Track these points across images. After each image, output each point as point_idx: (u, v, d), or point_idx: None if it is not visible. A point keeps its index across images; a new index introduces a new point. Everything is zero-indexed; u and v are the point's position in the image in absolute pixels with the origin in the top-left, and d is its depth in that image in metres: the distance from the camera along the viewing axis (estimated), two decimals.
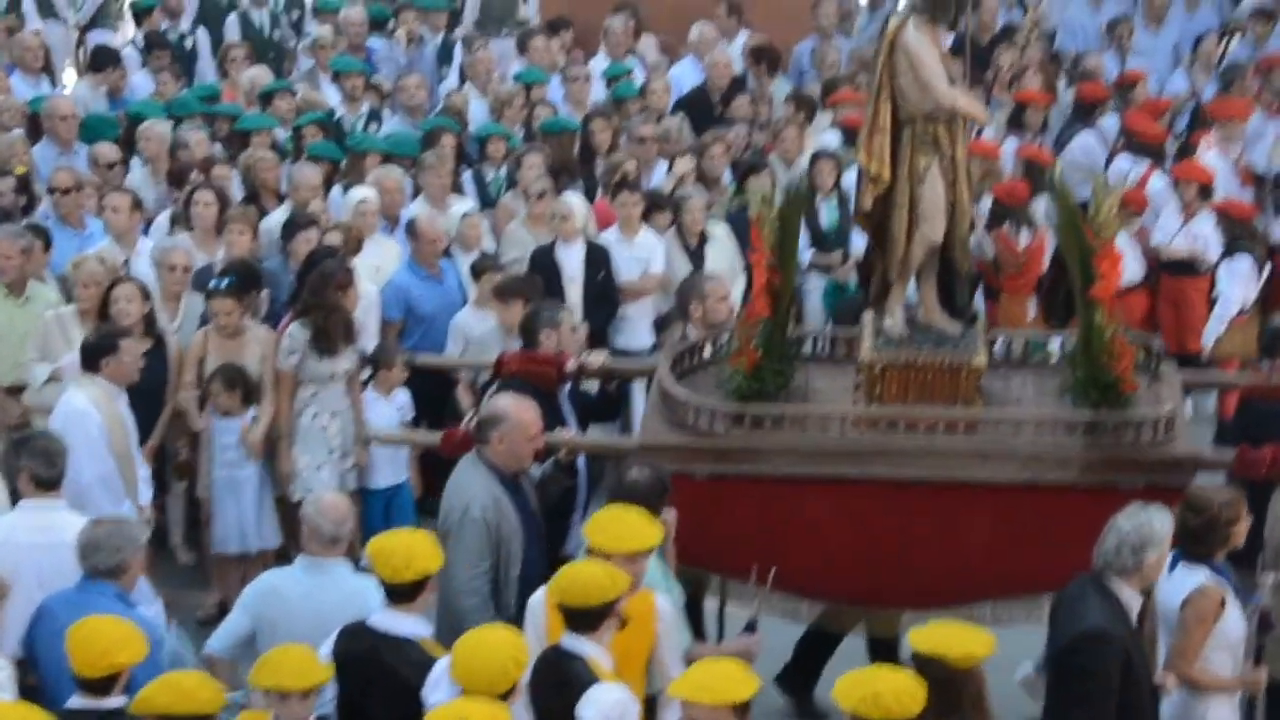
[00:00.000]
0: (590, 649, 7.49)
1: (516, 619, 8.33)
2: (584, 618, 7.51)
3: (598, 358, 10.43)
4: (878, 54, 9.14)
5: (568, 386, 10.37)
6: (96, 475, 9.94)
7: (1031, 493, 8.89)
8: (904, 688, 6.49)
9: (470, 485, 8.76)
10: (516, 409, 8.90)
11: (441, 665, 7.35)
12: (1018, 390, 9.46)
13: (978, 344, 9.29)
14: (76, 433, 9.83)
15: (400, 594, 7.68)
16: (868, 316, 9.49)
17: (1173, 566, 8.19)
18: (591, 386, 11.02)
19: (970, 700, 7.21)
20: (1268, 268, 13.63)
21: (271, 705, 7.26)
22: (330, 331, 11.00)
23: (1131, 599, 7.91)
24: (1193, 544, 8.18)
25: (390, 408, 11.54)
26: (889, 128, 8.99)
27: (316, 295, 11.09)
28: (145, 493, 10.50)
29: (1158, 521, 7.87)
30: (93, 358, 10.27)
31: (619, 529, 8.05)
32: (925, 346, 9.18)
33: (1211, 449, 9.18)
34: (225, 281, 11.22)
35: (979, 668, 7.23)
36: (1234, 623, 8.22)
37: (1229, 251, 13.28)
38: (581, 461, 9.95)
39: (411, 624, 7.70)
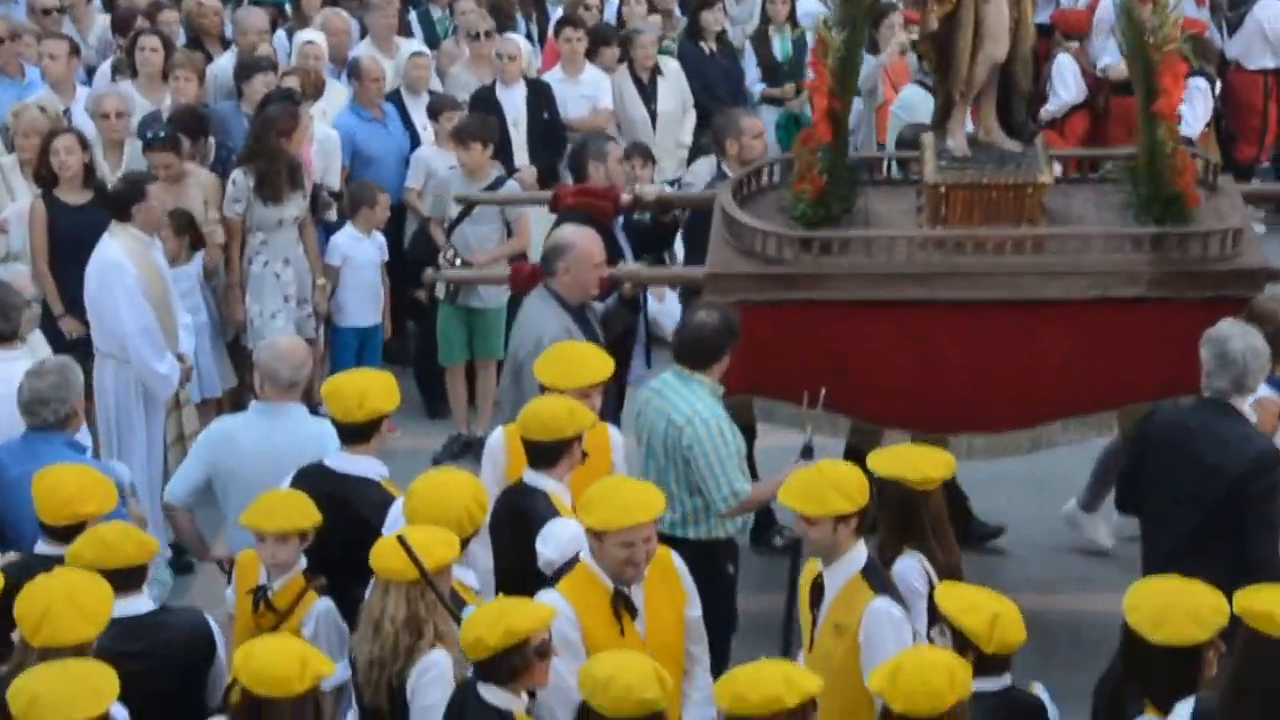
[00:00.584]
0: (551, 484, 7.51)
1: None
2: (545, 453, 7.51)
3: (652, 189, 10.38)
4: None
5: (621, 219, 10.38)
6: (139, 326, 9.83)
7: (1101, 308, 8.81)
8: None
9: (541, 318, 8.79)
10: (581, 238, 8.95)
11: (395, 507, 7.37)
12: (1080, 208, 9.34)
13: (1040, 162, 9.19)
14: (114, 284, 9.83)
15: (352, 434, 7.67)
16: (928, 137, 9.44)
17: None
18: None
19: (931, 522, 7.28)
20: (1219, 85, 13.70)
21: (264, 549, 7.25)
22: (274, 178, 10.93)
23: (1251, 416, 8.03)
24: None
25: (371, 245, 11.52)
26: None
27: (259, 141, 11.04)
28: (187, 340, 10.36)
29: (1254, 336, 7.93)
30: (123, 205, 10.08)
31: (570, 365, 8.10)
32: (989, 166, 9.08)
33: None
34: (161, 133, 11.05)
35: (938, 490, 7.29)
36: None
37: None
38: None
39: (367, 464, 7.68)
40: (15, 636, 6.15)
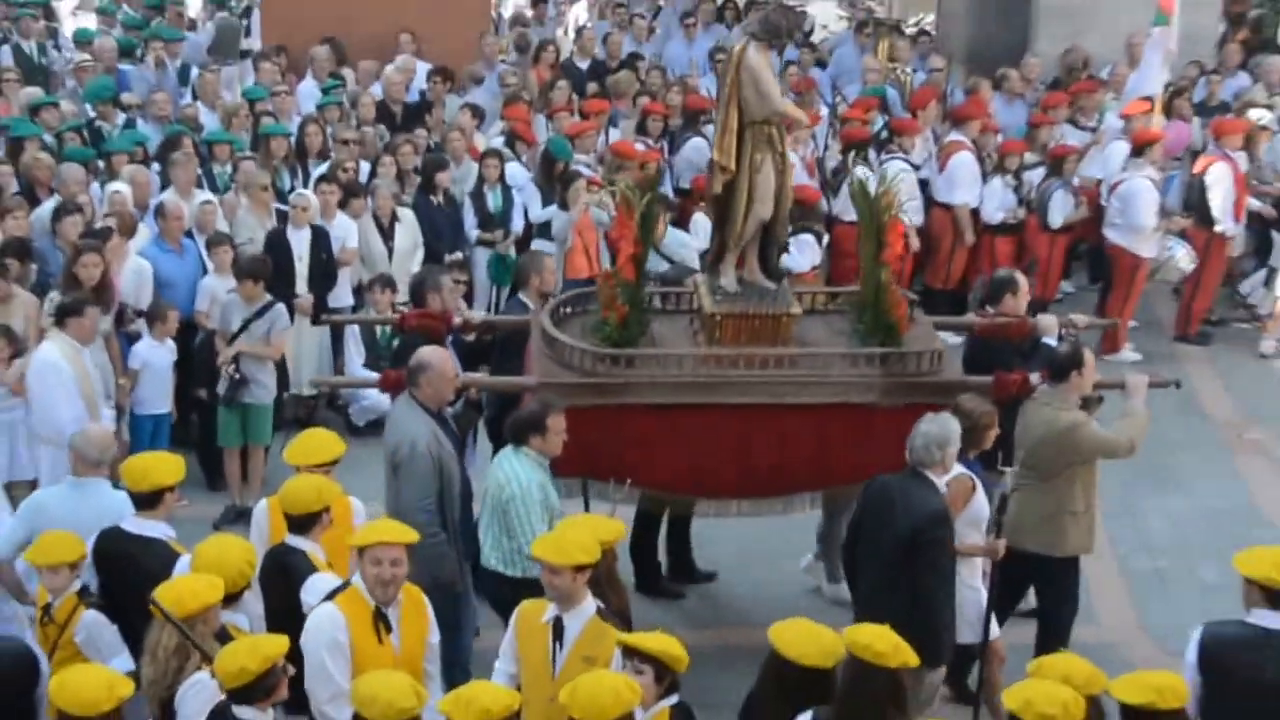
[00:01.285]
0: (308, 545, 7.73)
1: (460, 529, 8.72)
2: (302, 522, 7.74)
3: (476, 314, 10.34)
4: (726, 71, 9.25)
5: (450, 337, 10.31)
6: (73, 416, 9.85)
7: (840, 411, 9.04)
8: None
9: (412, 423, 8.64)
10: (438, 358, 8.85)
11: (183, 561, 7.45)
12: (815, 333, 9.56)
13: (789, 297, 9.43)
14: (52, 380, 9.96)
15: (142, 502, 7.81)
16: (700, 277, 9.71)
17: None
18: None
19: (606, 574, 7.51)
20: (826, 239, 14.02)
21: (44, 578, 7.48)
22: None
23: (940, 485, 8.27)
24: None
25: (164, 349, 11.54)
26: (736, 129, 9.08)
27: (70, 269, 11.11)
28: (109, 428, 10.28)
29: (951, 425, 8.28)
30: (62, 317, 10.27)
31: (313, 446, 8.38)
32: (753, 299, 9.27)
33: (970, 375, 9.42)
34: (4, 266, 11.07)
35: (612, 549, 7.59)
36: (980, 505, 8.63)
37: (794, 231, 12.91)
38: None
39: (156, 526, 7.80)
40: None
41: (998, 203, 14.87)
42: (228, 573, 7.01)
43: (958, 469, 8.49)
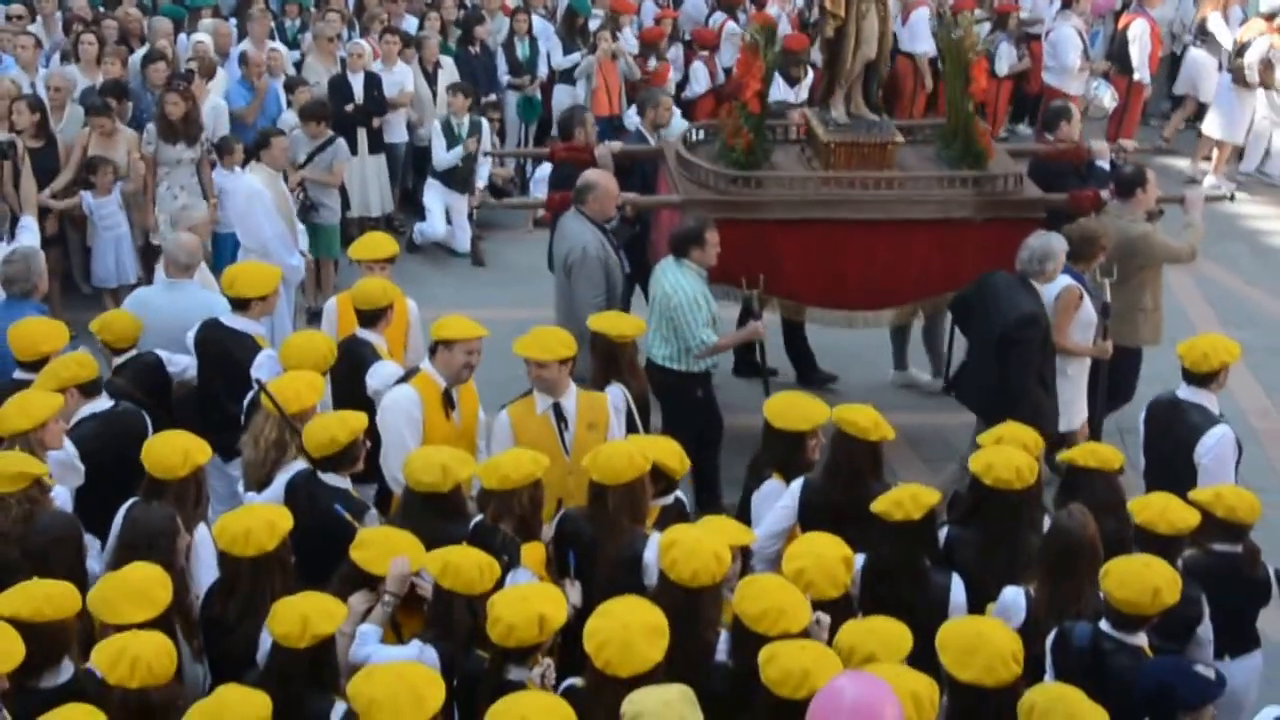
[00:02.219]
0: (374, 337, 7.42)
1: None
2: (370, 316, 7.45)
3: (615, 145, 9.85)
4: None
5: None
6: (274, 233, 9.64)
7: (943, 225, 8.76)
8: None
9: (581, 233, 8.40)
10: (603, 178, 8.66)
11: (266, 352, 7.28)
12: (909, 159, 9.24)
13: (892, 127, 9.20)
14: (255, 203, 9.66)
15: (238, 305, 7.53)
16: (810, 111, 9.47)
17: None
18: None
19: (627, 365, 7.18)
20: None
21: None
22: (174, 128, 10.64)
23: (1042, 292, 8.11)
24: (1073, 256, 8.31)
25: (237, 178, 10.77)
26: None
27: (160, 104, 10.82)
28: (302, 241, 10.24)
29: (1055, 241, 8.10)
30: (255, 149, 10.06)
31: (372, 243, 8.25)
32: (860, 129, 9.02)
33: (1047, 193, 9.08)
34: (99, 102, 10.83)
35: (633, 342, 7.18)
36: (1088, 311, 8.37)
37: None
38: None
39: (246, 323, 7.50)
40: None
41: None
42: (315, 359, 6.84)
43: (1067, 279, 8.25)
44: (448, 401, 6.77)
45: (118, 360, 7.33)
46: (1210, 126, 14.72)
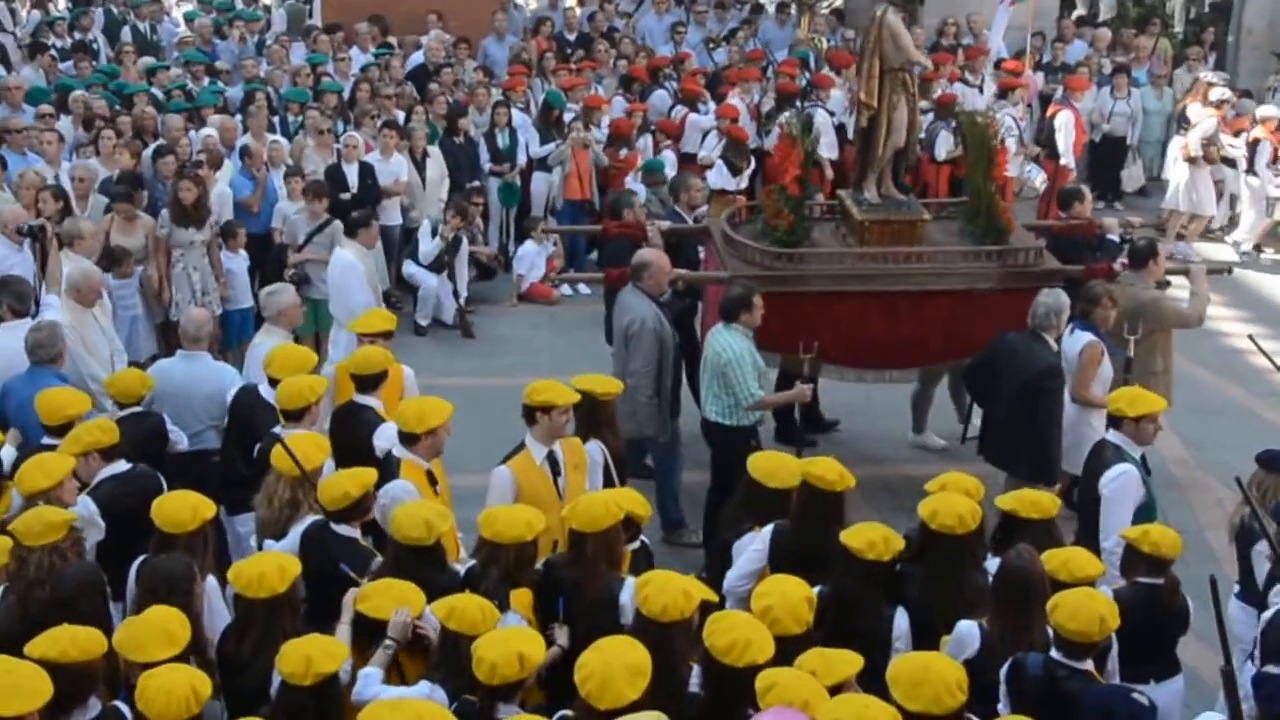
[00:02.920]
0: (374, 401, 7.46)
1: (673, 388, 8.73)
2: (368, 381, 7.48)
3: (664, 224, 10.08)
4: (867, 30, 9.16)
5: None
6: (364, 301, 9.73)
7: (966, 295, 8.96)
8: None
9: (638, 306, 8.55)
10: (657, 257, 8.78)
11: (390, 424, 7.07)
12: (934, 235, 9.44)
13: (919, 206, 9.43)
14: (350, 275, 9.95)
15: (365, 384, 7.52)
16: (845, 192, 9.61)
17: (1071, 330, 8.52)
18: None
19: (606, 421, 7.27)
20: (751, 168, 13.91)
21: None
22: (186, 212, 10.75)
23: (1064, 347, 8.36)
24: (1085, 315, 8.51)
25: (240, 260, 11.32)
26: (877, 75, 9.00)
27: (174, 190, 10.93)
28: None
29: (1063, 298, 8.34)
30: (352, 228, 10.26)
31: (373, 318, 8.20)
32: (891, 209, 9.21)
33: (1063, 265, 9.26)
34: (122, 189, 10.92)
35: (612, 400, 7.27)
36: (1108, 367, 8.49)
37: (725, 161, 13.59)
38: None
39: (369, 400, 7.48)
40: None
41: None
42: (297, 364, 7.34)
43: (1089, 337, 8.41)
44: (551, 464, 6.83)
45: (120, 414, 7.40)
46: (1172, 200, 15.00)
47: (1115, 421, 7.10)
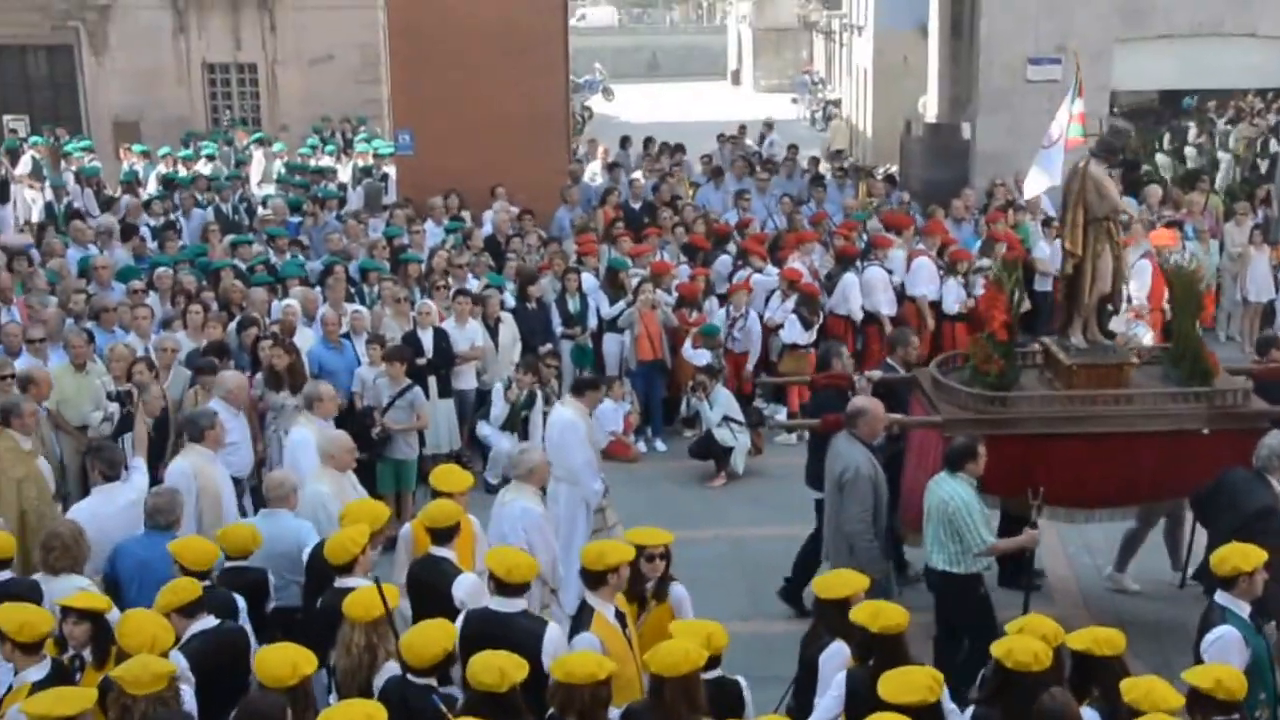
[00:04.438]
0: (448, 553, 7.49)
1: (886, 532, 8.80)
2: (442, 534, 7.51)
3: (875, 374, 10.32)
4: (1070, 181, 9.23)
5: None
6: (584, 460, 9.82)
7: (1176, 436, 8.94)
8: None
9: (852, 453, 8.66)
10: (872, 405, 8.91)
11: (470, 576, 7.32)
12: (1138, 378, 9.42)
13: (1125, 351, 9.51)
14: (570, 434, 9.89)
15: (440, 538, 7.58)
16: (1049, 339, 9.67)
17: None
18: None
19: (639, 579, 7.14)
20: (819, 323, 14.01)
21: None
22: (279, 377, 11.05)
23: (1276, 486, 8.24)
24: None
25: (327, 424, 11.17)
26: (1082, 224, 9.11)
27: (267, 358, 11.29)
28: (598, 481, 10.08)
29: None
30: (579, 388, 10.27)
31: (452, 476, 8.25)
32: (1098, 353, 9.29)
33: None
34: (207, 361, 11.15)
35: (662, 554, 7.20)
36: None
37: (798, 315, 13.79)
38: None
39: (445, 551, 7.54)
40: None
41: (954, 296, 14.73)
42: (371, 516, 7.62)
43: None
44: (620, 620, 6.84)
45: (228, 565, 7.54)
46: None
47: (1227, 583, 6.93)
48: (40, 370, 10.74)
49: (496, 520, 8.48)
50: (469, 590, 7.07)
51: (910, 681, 5.66)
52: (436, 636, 6.09)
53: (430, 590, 7.22)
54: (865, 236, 15.94)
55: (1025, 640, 5.93)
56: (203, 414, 9.34)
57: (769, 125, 24.23)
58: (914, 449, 9.36)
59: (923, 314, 14.91)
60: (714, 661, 6.18)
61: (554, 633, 6.61)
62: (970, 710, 5.92)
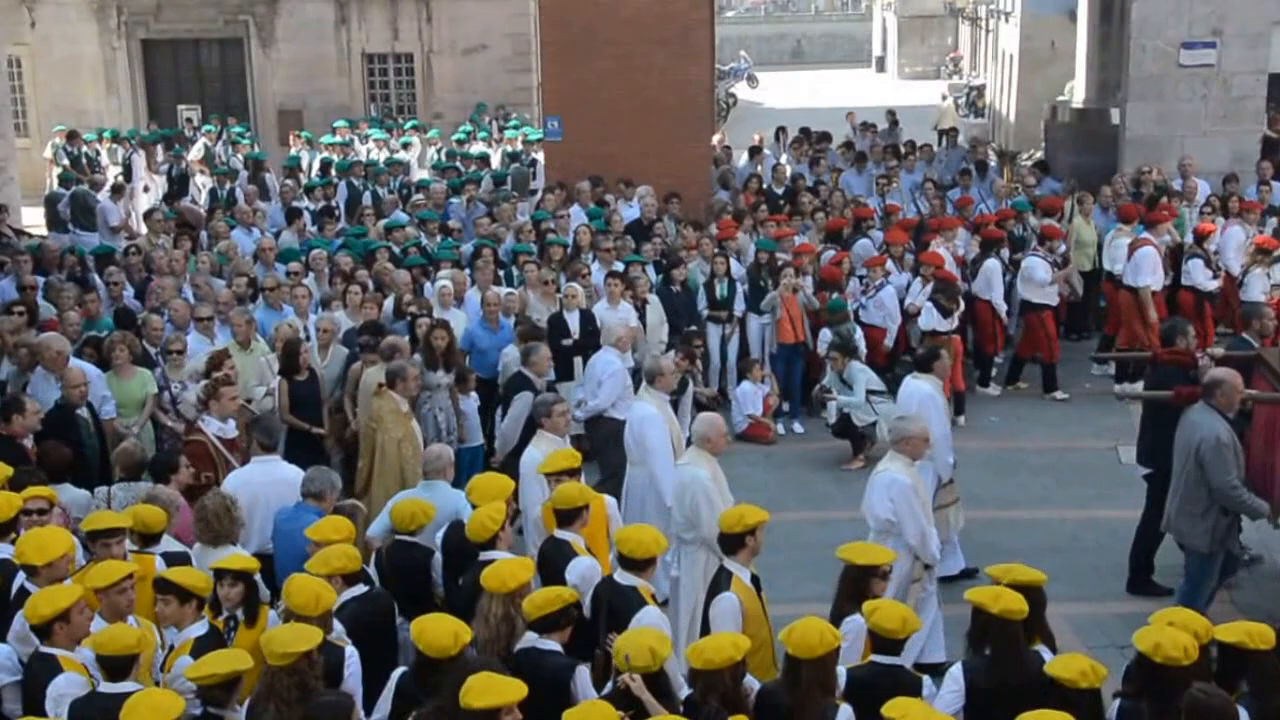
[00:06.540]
0: (571, 536, 7.47)
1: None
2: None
3: (1217, 351, 10.18)
4: None
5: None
6: (941, 433, 9.75)
7: None
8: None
9: (1212, 422, 8.54)
10: (1230, 376, 8.77)
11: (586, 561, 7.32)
12: None
13: None
14: (929, 405, 9.83)
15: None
16: None
17: None
18: None
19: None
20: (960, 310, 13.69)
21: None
22: (437, 357, 11.14)
23: None
24: None
25: (471, 402, 11.48)
26: None
27: (426, 338, 11.36)
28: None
29: None
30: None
31: (560, 458, 8.16)
32: None
33: None
34: (367, 339, 11.28)
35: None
36: None
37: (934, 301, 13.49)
38: None
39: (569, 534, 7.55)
40: None
41: (1200, 275, 14.47)
42: (497, 491, 7.58)
43: None
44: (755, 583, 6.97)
45: (397, 537, 7.65)
46: None
47: None
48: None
49: (869, 488, 8.54)
50: (582, 574, 7.06)
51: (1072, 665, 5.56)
52: (550, 593, 6.22)
53: (552, 574, 7.22)
54: (1025, 224, 15.61)
55: (1174, 634, 5.69)
56: (272, 423, 9.49)
57: (893, 116, 23.97)
58: (1261, 428, 9.03)
59: (997, 314, 14.43)
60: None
61: (653, 614, 6.61)
62: (1116, 703, 5.74)
